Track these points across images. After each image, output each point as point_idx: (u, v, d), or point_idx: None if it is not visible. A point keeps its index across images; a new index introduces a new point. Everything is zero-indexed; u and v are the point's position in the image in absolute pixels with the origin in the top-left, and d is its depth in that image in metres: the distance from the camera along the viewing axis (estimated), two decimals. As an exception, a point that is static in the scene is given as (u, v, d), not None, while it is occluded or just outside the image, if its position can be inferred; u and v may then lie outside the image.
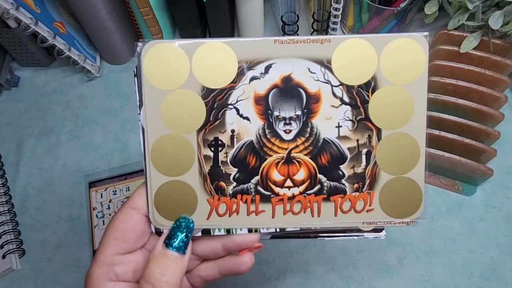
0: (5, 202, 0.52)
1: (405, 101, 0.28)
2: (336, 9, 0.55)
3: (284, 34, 0.62)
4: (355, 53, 0.28)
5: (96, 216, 0.51)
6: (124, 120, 0.59)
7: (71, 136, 0.58)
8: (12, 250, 0.48)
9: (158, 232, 0.30)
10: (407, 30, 0.62)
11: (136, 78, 0.28)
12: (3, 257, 0.48)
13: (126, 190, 0.52)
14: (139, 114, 0.29)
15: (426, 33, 0.28)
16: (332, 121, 0.29)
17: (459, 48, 0.52)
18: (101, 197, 0.52)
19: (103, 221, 0.51)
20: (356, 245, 0.48)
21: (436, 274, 0.46)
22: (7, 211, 0.51)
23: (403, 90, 0.28)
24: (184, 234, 0.28)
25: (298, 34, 0.62)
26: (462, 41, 0.52)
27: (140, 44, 0.28)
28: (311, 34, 0.63)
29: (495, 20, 0.48)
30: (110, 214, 0.51)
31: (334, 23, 0.58)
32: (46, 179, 0.54)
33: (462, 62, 0.51)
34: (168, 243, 0.27)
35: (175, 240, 0.28)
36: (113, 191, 0.53)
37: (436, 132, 0.48)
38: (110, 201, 0.52)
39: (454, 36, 0.53)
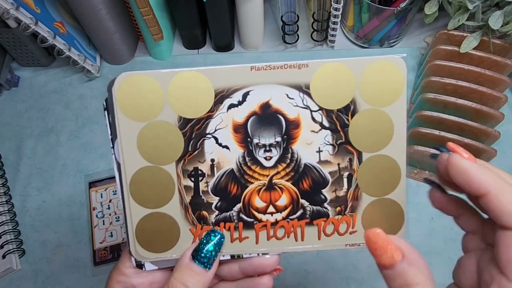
0: (5, 202, 0.52)
1: (385, 124, 0.28)
2: (336, 9, 0.55)
3: (284, 34, 0.62)
4: (333, 77, 0.28)
5: (96, 216, 0.51)
6: (124, 120, 0.59)
7: (71, 136, 0.58)
8: (12, 250, 0.48)
9: (139, 265, 0.29)
10: (407, 30, 0.63)
11: (106, 111, 0.28)
12: (3, 257, 0.48)
13: (126, 190, 0.52)
14: (112, 147, 0.28)
15: (404, 55, 0.27)
16: (312, 146, 0.29)
17: (459, 48, 0.52)
18: (101, 197, 0.52)
19: (103, 221, 0.51)
20: (356, 245, 0.48)
21: (436, 274, 0.46)
22: (7, 211, 0.51)
23: (383, 112, 0.28)
24: (211, 249, 0.28)
25: (298, 35, 0.62)
26: (462, 41, 0.52)
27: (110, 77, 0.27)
28: (311, 34, 0.63)
29: (495, 20, 0.48)
30: (110, 214, 0.51)
31: (334, 23, 0.58)
32: (46, 179, 0.54)
33: (462, 62, 0.51)
34: (194, 256, 0.27)
35: (202, 254, 0.27)
36: (113, 191, 0.52)
37: (436, 132, 0.48)
38: (110, 201, 0.52)
39: (454, 36, 0.53)
